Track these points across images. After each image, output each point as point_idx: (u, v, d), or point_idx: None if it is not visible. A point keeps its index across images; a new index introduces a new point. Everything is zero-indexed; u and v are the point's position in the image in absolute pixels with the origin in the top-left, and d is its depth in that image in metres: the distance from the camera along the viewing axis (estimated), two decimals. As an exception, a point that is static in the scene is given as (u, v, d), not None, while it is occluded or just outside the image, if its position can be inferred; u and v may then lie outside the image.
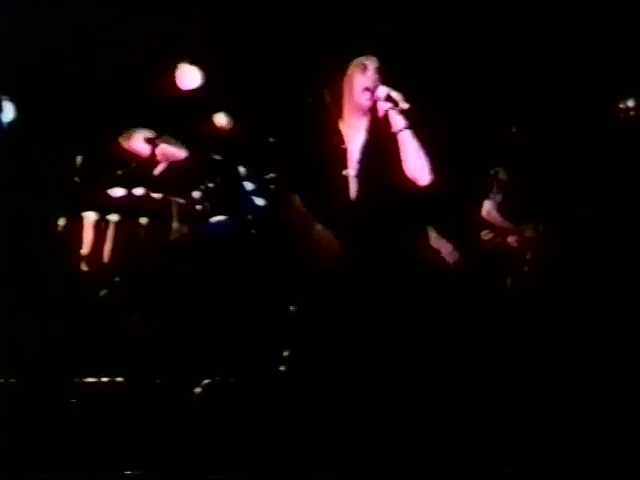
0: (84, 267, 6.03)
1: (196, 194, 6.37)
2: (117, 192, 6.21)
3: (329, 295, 4.38)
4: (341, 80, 4.53)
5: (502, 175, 6.18)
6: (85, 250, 6.06)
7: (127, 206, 6.15)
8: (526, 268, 5.96)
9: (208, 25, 6.67)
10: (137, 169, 6.30)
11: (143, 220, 6.13)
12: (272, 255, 5.29)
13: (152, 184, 6.28)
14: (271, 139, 4.92)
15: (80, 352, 5.07)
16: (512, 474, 3.62)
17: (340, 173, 4.48)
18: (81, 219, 6.11)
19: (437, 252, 4.66)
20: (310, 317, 4.41)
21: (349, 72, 4.53)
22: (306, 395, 3.91)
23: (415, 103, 4.49)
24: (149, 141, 6.31)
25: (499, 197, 6.18)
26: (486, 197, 6.21)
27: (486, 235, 6.18)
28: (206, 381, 3.98)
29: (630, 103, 6.27)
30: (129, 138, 6.33)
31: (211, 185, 6.39)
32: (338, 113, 4.56)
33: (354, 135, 4.56)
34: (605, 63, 6.12)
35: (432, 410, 3.77)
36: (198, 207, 6.33)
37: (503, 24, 6.17)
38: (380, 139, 4.51)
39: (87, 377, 4.21)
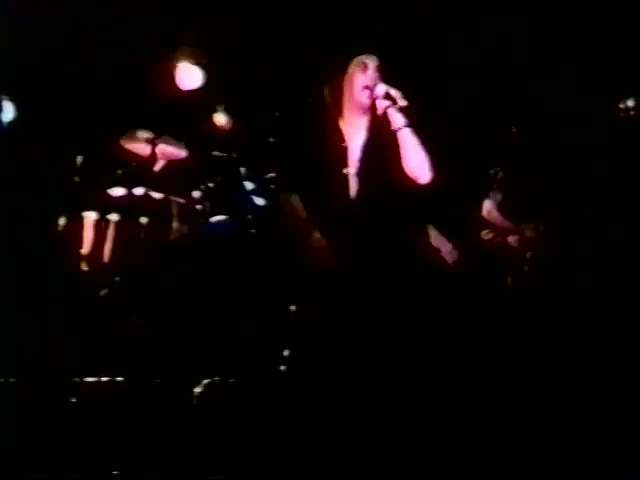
0: (84, 267, 6.03)
1: (196, 194, 6.38)
2: (117, 192, 6.21)
3: (329, 294, 4.38)
4: (341, 79, 4.52)
5: (502, 175, 6.19)
6: (85, 250, 6.06)
7: (127, 206, 6.15)
8: (526, 268, 5.96)
9: (208, 25, 6.67)
10: (137, 169, 6.30)
11: (143, 220, 6.13)
12: (272, 255, 5.29)
13: (152, 184, 6.28)
14: (271, 139, 4.92)
15: (80, 352, 5.07)
16: (512, 474, 3.62)
17: (340, 172, 4.48)
18: (81, 219, 6.11)
19: (437, 251, 4.66)
20: (310, 317, 4.40)
21: (349, 71, 4.52)
22: (306, 395, 3.90)
23: (415, 103, 4.48)
24: (149, 141, 6.31)
25: (499, 197, 6.18)
26: (486, 197, 6.21)
27: (486, 235, 6.18)
28: (206, 381, 3.98)
29: (630, 103, 6.27)
30: (130, 139, 6.33)
31: (211, 185, 6.40)
32: (338, 112, 4.56)
33: (354, 134, 4.55)
34: (605, 63, 6.12)
35: (432, 410, 3.77)
36: (198, 207, 6.33)
37: (503, 24, 6.17)
38: (380, 138, 4.50)
39: (87, 377, 4.21)
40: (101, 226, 6.09)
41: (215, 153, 6.58)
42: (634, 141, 6.06)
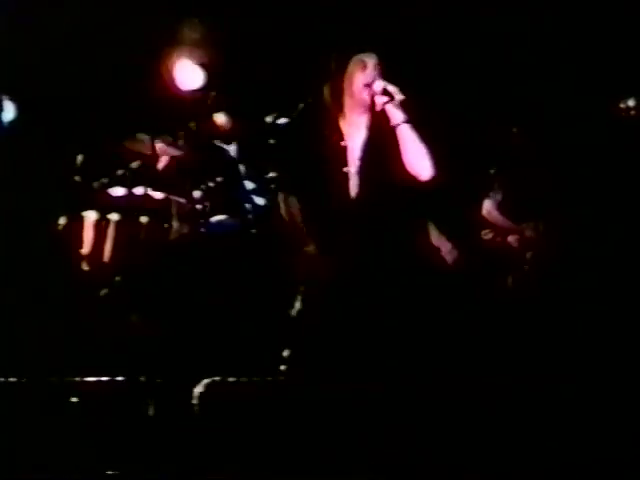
0: (84, 266, 6.03)
1: (196, 194, 6.38)
2: (117, 191, 6.21)
3: (329, 294, 4.38)
4: (341, 78, 4.52)
5: (502, 175, 6.19)
6: (85, 250, 6.06)
7: (127, 205, 6.15)
8: (526, 267, 5.96)
9: (208, 25, 6.68)
10: (137, 169, 6.30)
11: (143, 219, 6.13)
12: (272, 254, 5.29)
13: (152, 183, 6.28)
14: (271, 140, 4.91)
15: (80, 352, 5.07)
16: (512, 474, 3.62)
17: (341, 171, 4.47)
18: (81, 218, 6.11)
19: (437, 250, 4.66)
20: (310, 316, 4.40)
21: (349, 70, 4.52)
22: (306, 395, 3.90)
23: (415, 103, 4.48)
24: (151, 142, 6.32)
25: (499, 196, 6.18)
26: (486, 197, 6.21)
27: (486, 234, 6.18)
28: (206, 381, 3.98)
29: (630, 103, 6.27)
30: (133, 141, 6.33)
31: (211, 185, 6.40)
32: (339, 111, 4.55)
33: (355, 133, 4.55)
34: (605, 63, 6.12)
35: (432, 410, 3.77)
36: (198, 207, 6.33)
37: (503, 24, 6.17)
38: (381, 136, 4.50)
39: (87, 377, 4.21)
40: (101, 226, 6.09)
41: (215, 153, 6.58)
42: (634, 141, 6.06)
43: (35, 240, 5.99)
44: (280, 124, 4.85)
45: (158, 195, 6.26)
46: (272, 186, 5.06)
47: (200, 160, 6.52)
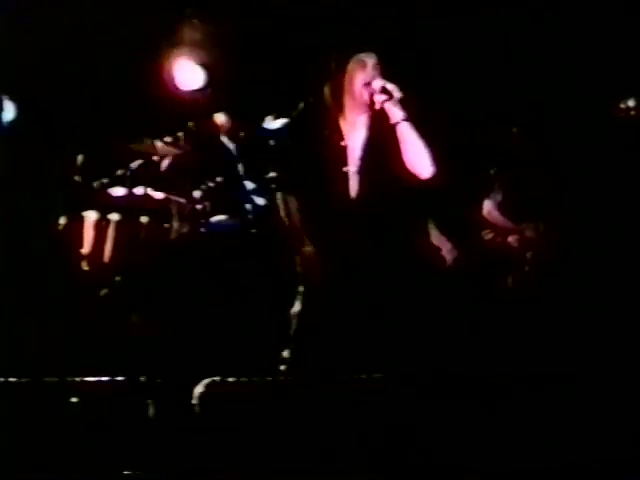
0: (85, 266, 6.03)
1: (196, 193, 6.38)
2: (117, 191, 6.21)
3: (329, 294, 4.38)
4: (341, 77, 4.52)
5: (502, 175, 6.19)
6: (86, 250, 6.06)
7: (128, 205, 6.15)
8: (526, 268, 5.96)
9: (208, 25, 6.68)
10: (137, 169, 6.30)
11: (144, 219, 6.13)
12: (272, 254, 5.29)
13: (152, 183, 6.28)
14: (271, 140, 4.91)
15: (80, 352, 5.07)
16: (512, 474, 3.62)
17: (341, 171, 4.47)
18: (82, 218, 6.11)
19: (437, 250, 4.66)
20: (310, 316, 4.40)
21: (348, 69, 4.52)
22: (306, 395, 3.90)
23: (415, 103, 4.48)
24: (155, 142, 6.33)
25: (499, 197, 6.18)
26: (486, 197, 6.21)
27: (486, 234, 6.18)
28: (206, 381, 3.98)
29: (630, 103, 6.27)
30: (138, 142, 6.33)
31: (211, 185, 6.40)
32: (339, 111, 4.55)
33: (355, 132, 4.55)
34: (605, 63, 6.12)
35: (432, 410, 3.76)
36: (198, 206, 6.33)
37: (503, 24, 6.17)
38: (381, 135, 4.50)
39: (87, 377, 4.21)
40: (101, 226, 6.09)
41: (215, 152, 6.58)
42: (634, 141, 6.06)
43: (35, 240, 5.99)
44: (280, 124, 4.85)
45: (158, 195, 6.26)
46: (272, 186, 5.06)
47: (200, 160, 6.52)
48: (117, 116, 6.60)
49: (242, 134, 6.52)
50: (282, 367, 4.40)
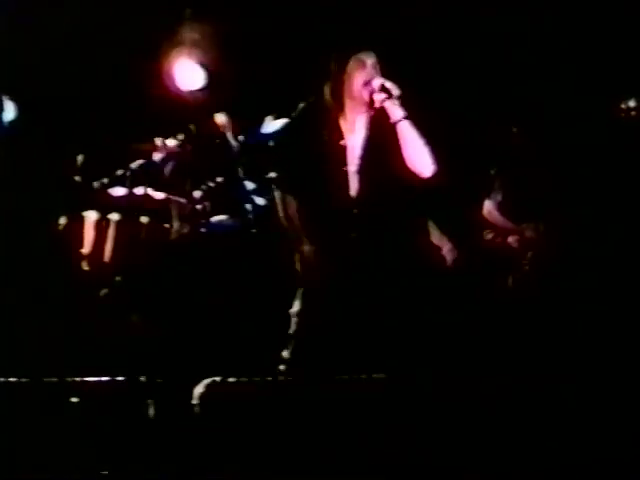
0: (85, 266, 6.03)
1: (197, 194, 6.38)
2: (118, 191, 6.21)
3: (329, 294, 4.37)
4: (341, 77, 4.51)
5: (502, 175, 6.19)
6: (86, 249, 6.06)
7: (128, 205, 6.15)
8: (526, 268, 5.96)
9: (208, 25, 6.67)
10: (138, 169, 6.30)
11: (144, 219, 6.13)
12: (272, 254, 5.29)
13: (153, 183, 6.28)
14: (271, 140, 4.91)
15: (80, 352, 5.08)
16: (512, 474, 3.62)
17: (341, 170, 4.47)
18: (82, 218, 6.11)
19: (438, 250, 4.65)
20: (310, 316, 4.40)
21: (348, 69, 4.51)
22: (306, 395, 3.90)
23: (415, 103, 4.48)
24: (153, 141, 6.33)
25: (499, 197, 6.19)
26: (486, 197, 6.22)
27: (487, 235, 6.18)
28: (206, 381, 3.98)
29: (631, 103, 6.27)
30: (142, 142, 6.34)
31: (212, 185, 6.40)
32: (339, 110, 4.55)
33: (355, 132, 4.55)
34: (605, 63, 6.12)
35: (432, 410, 3.76)
36: (199, 207, 6.33)
37: (503, 24, 6.17)
38: (381, 135, 4.49)
39: (87, 377, 4.21)
40: (102, 226, 6.09)
41: (216, 152, 6.58)
42: (634, 141, 6.06)
43: (35, 240, 5.99)
44: (280, 124, 4.85)
45: (158, 195, 6.26)
46: (272, 186, 5.06)
47: (200, 160, 6.52)
48: (117, 116, 6.60)
49: (242, 134, 6.52)
50: (282, 367, 4.39)
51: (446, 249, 4.71)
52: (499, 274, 5.97)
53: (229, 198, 6.35)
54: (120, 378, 4.18)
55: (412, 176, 4.40)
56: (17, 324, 5.29)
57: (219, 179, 6.41)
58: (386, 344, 4.24)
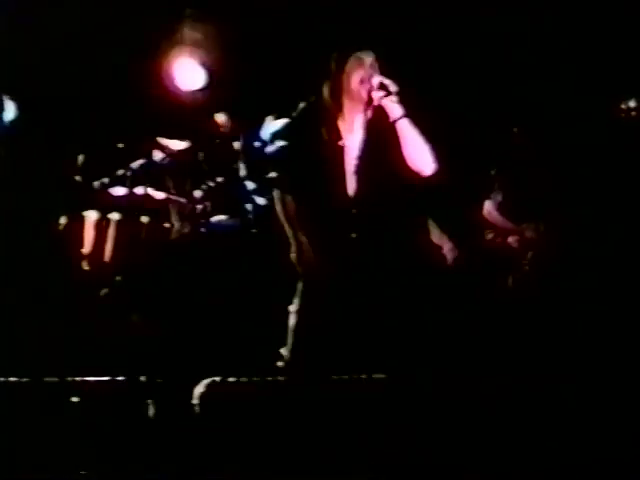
0: (85, 266, 6.04)
1: (197, 193, 6.38)
2: (118, 191, 6.22)
3: (329, 293, 4.37)
4: (340, 77, 4.51)
5: (502, 175, 6.19)
6: (86, 249, 6.07)
7: (128, 205, 6.15)
8: (527, 268, 5.96)
9: (208, 25, 6.68)
10: (138, 168, 6.30)
11: (144, 219, 6.14)
12: (273, 254, 5.29)
13: (153, 183, 6.29)
14: (271, 140, 4.91)
15: (80, 352, 5.08)
16: (512, 474, 3.62)
17: (341, 170, 4.47)
18: (82, 218, 6.11)
19: (438, 249, 4.65)
20: (310, 316, 4.40)
21: (347, 68, 4.51)
22: (306, 395, 3.90)
23: (415, 103, 4.48)
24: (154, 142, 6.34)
25: (499, 197, 6.19)
26: (486, 197, 6.22)
27: (487, 235, 6.18)
28: (206, 381, 3.98)
29: (631, 104, 6.27)
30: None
31: (212, 184, 6.40)
32: (338, 110, 4.55)
33: (354, 131, 4.54)
34: (605, 63, 6.12)
35: (432, 409, 3.77)
36: (199, 206, 6.33)
37: (503, 24, 6.17)
38: (381, 134, 4.49)
39: (87, 377, 4.21)
40: (102, 225, 6.10)
41: (216, 152, 6.59)
42: (634, 142, 6.06)
43: (35, 240, 5.99)
44: (280, 124, 4.85)
45: (159, 195, 6.27)
46: (273, 186, 5.06)
47: (200, 160, 6.52)
48: (117, 116, 6.60)
49: (242, 134, 6.52)
50: (282, 367, 4.39)
51: (446, 248, 4.70)
52: (499, 274, 5.97)
53: (229, 198, 6.36)
54: (120, 378, 4.18)
55: (412, 175, 4.39)
56: (17, 324, 5.29)
57: (219, 179, 6.41)
58: (386, 344, 4.24)
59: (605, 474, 3.56)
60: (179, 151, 6.49)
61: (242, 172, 6.40)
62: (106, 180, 6.23)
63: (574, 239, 5.75)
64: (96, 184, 6.23)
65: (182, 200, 6.31)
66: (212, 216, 6.31)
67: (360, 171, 4.45)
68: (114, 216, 6.10)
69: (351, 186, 4.44)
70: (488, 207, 6.20)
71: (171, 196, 6.30)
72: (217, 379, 4.00)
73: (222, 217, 6.31)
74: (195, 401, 3.92)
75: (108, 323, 5.55)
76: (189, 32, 6.74)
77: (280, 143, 4.74)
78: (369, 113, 4.50)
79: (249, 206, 6.27)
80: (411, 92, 4.44)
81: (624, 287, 5.51)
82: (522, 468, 3.61)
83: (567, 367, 4.58)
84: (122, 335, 5.41)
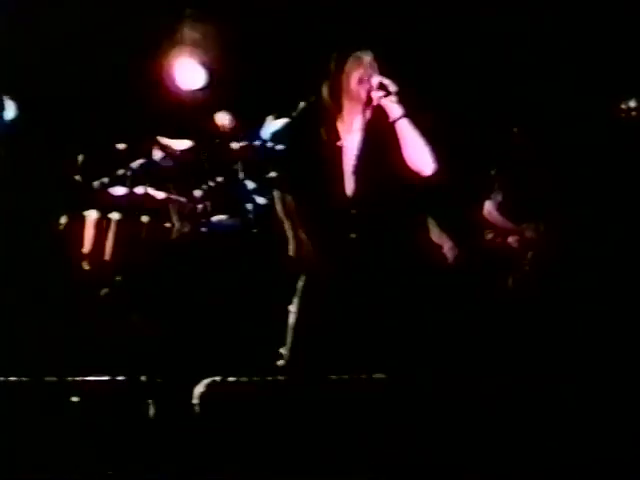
0: (85, 266, 6.03)
1: (197, 193, 6.38)
2: (118, 191, 6.21)
3: (329, 293, 4.37)
4: (339, 76, 4.51)
5: (502, 175, 6.19)
6: (86, 249, 6.06)
7: (128, 205, 6.15)
8: (527, 268, 5.96)
9: (208, 25, 6.68)
10: (138, 168, 6.30)
11: (144, 219, 6.13)
12: (273, 254, 5.29)
13: (153, 183, 6.28)
14: (271, 141, 4.92)
15: (80, 352, 5.07)
16: (512, 474, 3.62)
17: (340, 170, 4.47)
18: (82, 218, 6.11)
19: (438, 248, 4.65)
20: (310, 316, 4.40)
21: (346, 67, 4.51)
22: (306, 394, 3.90)
23: (415, 103, 4.47)
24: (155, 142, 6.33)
25: (499, 197, 6.18)
26: (486, 197, 6.21)
27: (487, 235, 6.18)
28: (206, 381, 3.99)
29: (631, 103, 6.27)
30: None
31: (212, 184, 6.40)
32: (337, 110, 4.55)
33: (354, 131, 4.54)
34: (605, 63, 6.12)
35: (432, 409, 3.77)
36: (199, 206, 6.33)
37: (503, 24, 6.17)
38: (380, 134, 4.48)
39: (87, 376, 4.21)
40: (102, 225, 6.09)
41: (216, 152, 6.59)
42: (634, 141, 6.06)
43: (36, 240, 5.99)
44: (280, 124, 4.85)
45: (159, 194, 6.26)
46: (273, 186, 5.06)
47: (201, 160, 6.52)
48: (117, 116, 6.60)
49: (242, 134, 6.52)
50: (282, 366, 4.39)
51: (447, 247, 4.70)
52: (499, 274, 5.97)
53: (229, 198, 6.35)
54: (120, 378, 4.18)
55: (412, 175, 4.39)
56: (17, 324, 5.29)
57: (219, 179, 6.41)
58: (386, 344, 4.24)
59: (605, 474, 3.56)
60: (179, 151, 6.49)
61: (242, 172, 6.40)
62: (106, 180, 6.22)
63: (574, 239, 5.75)
64: (96, 184, 6.23)
65: (182, 200, 6.31)
66: (212, 216, 6.31)
67: (360, 171, 4.44)
68: (114, 216, 6.10)
69: (351, 186, 4.44)
70: (488, 207, 6.20)
71: (171, 196, 6.30)
72: (217, 379, 4.01)
73: (222, 217, 6.30)
74: (195, 401, 3.92)
75: (108, 323, 5.55)
76: (189, 32, 6.74)
77: (280, 143, 4.74)
78: (368, 113, 4.50)
79: (249, 206, 6.27)
80: (410, 92, 4.44)
81: (624, 287, 5.51)
82: (522, 468, 3.62)
83: (567, 367, 4.58)
84: (122, 335, 5.41)
